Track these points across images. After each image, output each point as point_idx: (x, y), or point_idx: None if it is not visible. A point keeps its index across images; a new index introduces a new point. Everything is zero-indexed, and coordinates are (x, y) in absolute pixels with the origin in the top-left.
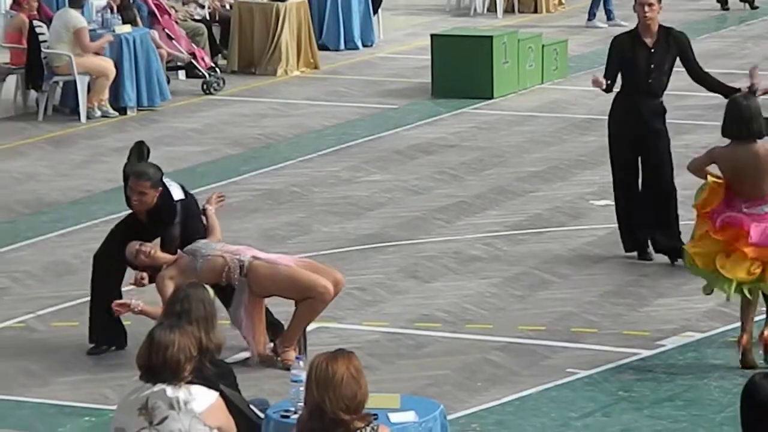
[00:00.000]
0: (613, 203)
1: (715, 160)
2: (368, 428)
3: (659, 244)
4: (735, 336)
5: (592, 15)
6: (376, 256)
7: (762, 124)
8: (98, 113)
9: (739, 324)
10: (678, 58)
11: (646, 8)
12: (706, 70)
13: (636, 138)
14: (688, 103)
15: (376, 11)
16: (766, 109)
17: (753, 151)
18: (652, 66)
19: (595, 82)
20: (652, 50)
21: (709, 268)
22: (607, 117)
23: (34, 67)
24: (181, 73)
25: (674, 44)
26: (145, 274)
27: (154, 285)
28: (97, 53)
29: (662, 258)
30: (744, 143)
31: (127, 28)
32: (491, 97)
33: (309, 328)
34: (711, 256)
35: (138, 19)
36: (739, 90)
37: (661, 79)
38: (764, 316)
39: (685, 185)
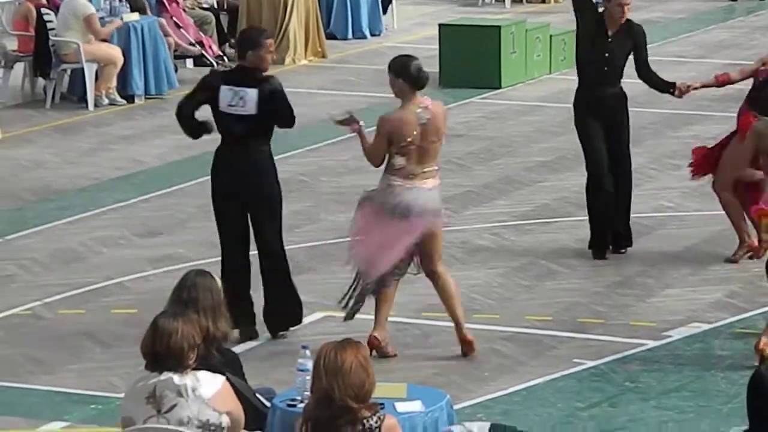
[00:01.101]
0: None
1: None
2: (375, 417)
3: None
4: (742, 327)
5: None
6: None
7: None
8: (106, 101)
9: (746, 315)
10: (632, 51)
11: (626, 9)
12: (713, 60)
13: (603, 128)
14: (696, 94)
15: (388, 2)
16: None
17: None
18: (607, 55)
19: None
20: (610, 40)
21: None
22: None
23: (42, 55)
24: (189, 62)
25: (631, 36)
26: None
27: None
28: (105, 40)
29: (668, 249)
30: None
31: (135, 16)
32: (499, 87)
33: (316, 317)
34: None
35: (147, 8)
36: (674, 84)
37: (616, 69)
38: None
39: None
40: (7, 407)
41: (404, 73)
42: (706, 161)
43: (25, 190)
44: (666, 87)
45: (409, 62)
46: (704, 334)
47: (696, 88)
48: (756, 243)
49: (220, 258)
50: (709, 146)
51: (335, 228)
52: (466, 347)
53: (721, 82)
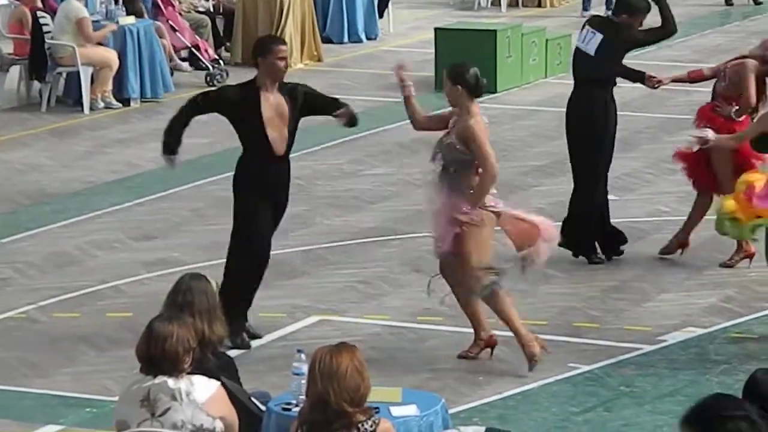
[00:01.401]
0: (616, 198)
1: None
2: (370, 421)
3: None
4: (737, 332)
5: (587, 4)
6: (379, 250)
7: None
8: (101, 104)
9: (741, 320)
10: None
11: None
12: (709, 65)
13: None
14: (694, 99)
15: (385, 6)
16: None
17: None
18: None
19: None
20: None
21: None
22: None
23: (38, 58)
24: (185, 64)
25: None
26: None
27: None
28: (100, 44)
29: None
30: None
31: (131, 19)
32: (495, 92)
33: (311, 321)
34: None
35: (144, 11)
36: (644, 74)
37: None
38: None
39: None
40: (1, 410)
41: (462, 81)
42: (697, 165)
43: (20, 193)
44: (637, 77)
45: (466, 70)
46: (699, 338)
47: (666, 83)
48: (753, 249)
49: (222, 260)
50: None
51: (330, 232)
52: (492, 347)
53: (692, 78)
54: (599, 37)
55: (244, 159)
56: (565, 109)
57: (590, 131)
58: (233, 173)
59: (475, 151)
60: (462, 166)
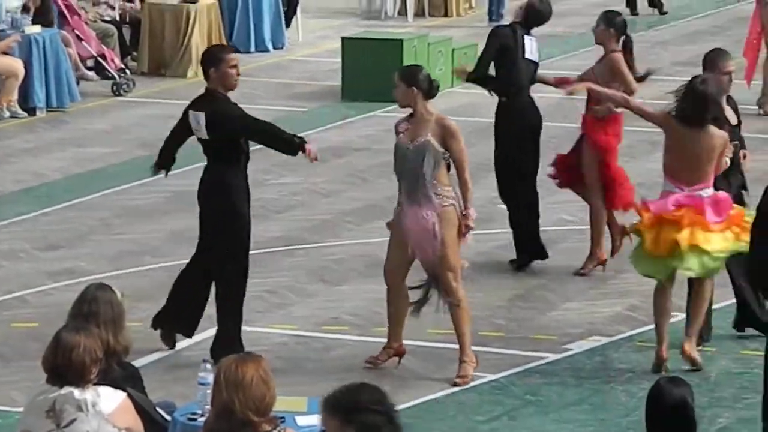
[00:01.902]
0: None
1: (664, 126)
2: (275, 431)
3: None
4: (641, 340)
5: (492, 14)
6: (285, 259)
7: (717, 109)
8: (7, 114)
9: (645, 328)
10: None
11: None
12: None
13: None
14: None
15: (292, 15)
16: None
17: (707, 135)
18: None
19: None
20: None
21: (663, 251)
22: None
23: None
24: (92, 74)
25: None
26: None
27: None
28: (5, 53)
29: (570, 263)
30: (698, 126)
31: (37, 28)
32: None
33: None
34: (667, 238)
35: (54, 21)
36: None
37: None
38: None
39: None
40: None
41: (416, 83)
42: (567, 169)
43: None
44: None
45: (419, 71)
46: (604, 347)
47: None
48: (605, 256)
49: (129, 270)
50: (566, 153)
51: None
52: (401, 357)
53: (558, 81)
54: (536, 41)
55: (234, 172)
56: (471, 119)
57: (536, 135)
58: (221, 187)
59: (456, 148)
60: (438, 166)
